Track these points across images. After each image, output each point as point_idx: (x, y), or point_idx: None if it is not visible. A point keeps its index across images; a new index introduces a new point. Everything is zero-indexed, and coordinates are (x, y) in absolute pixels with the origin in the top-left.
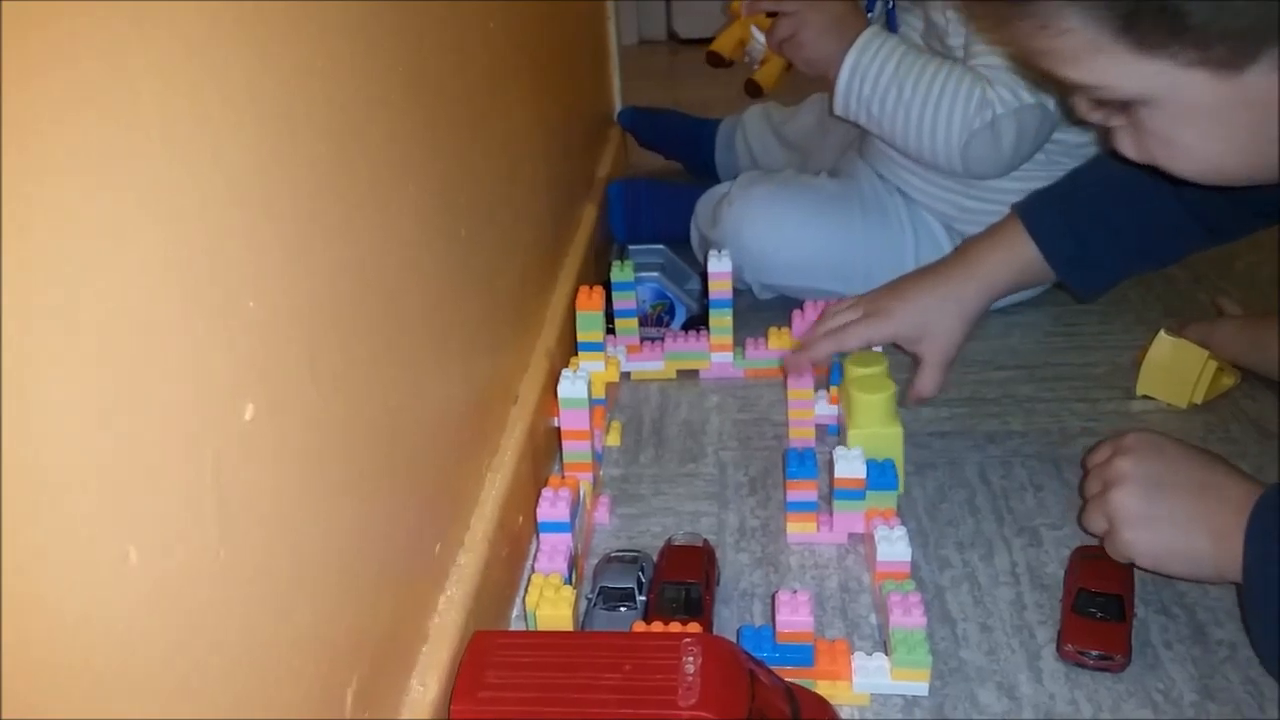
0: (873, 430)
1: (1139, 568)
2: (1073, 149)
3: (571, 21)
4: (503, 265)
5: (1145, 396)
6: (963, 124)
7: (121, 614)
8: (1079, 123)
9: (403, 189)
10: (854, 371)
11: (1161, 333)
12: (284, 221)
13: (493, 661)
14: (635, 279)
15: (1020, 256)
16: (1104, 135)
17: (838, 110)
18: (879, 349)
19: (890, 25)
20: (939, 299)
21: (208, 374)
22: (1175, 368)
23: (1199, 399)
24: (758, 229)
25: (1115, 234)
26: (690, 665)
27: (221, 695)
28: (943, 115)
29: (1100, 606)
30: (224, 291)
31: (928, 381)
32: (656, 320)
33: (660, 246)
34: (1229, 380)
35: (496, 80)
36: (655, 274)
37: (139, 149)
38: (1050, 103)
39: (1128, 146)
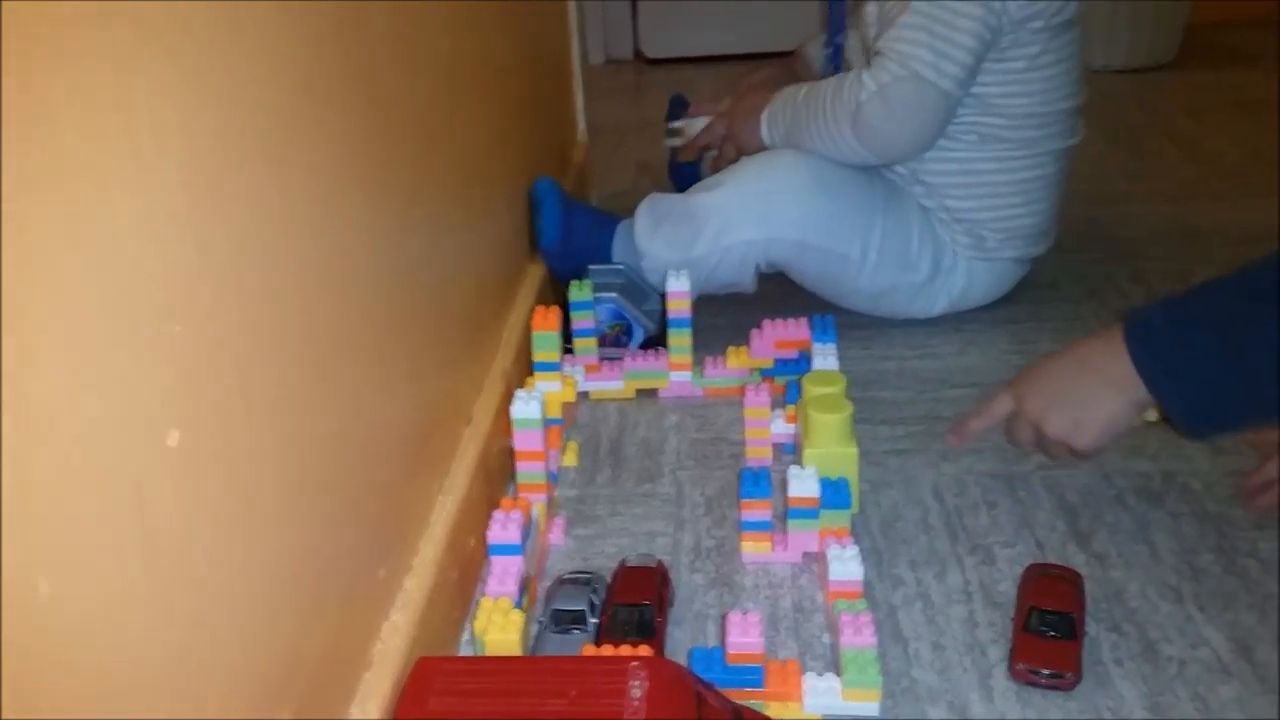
0: (828, 450)
1: (1078, 454)
2: (1004, 130)
3: (532, 40)
4: (456, 285)
5: None
6: (842, 106)
7: (33, 647)
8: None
9: (346, 207)
10: (812, 390)
11: None
12: (213, 242)
13: (436, 688)
14: (594, 299)
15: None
16: None
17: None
18: (833, 364)
19: (835, 62)
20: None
21: (128, 400)
22: None
23: (1153, 417)
24: (773, 180)
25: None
26: (636, 689)
27: None
28: (828, 107)
29: (1052, 625)
30: (146, 315)
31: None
32: (614, 341)
33: (621, 266)
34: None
35: (453, 98)
36: (613, 294)
37: (58, 168)
38: (948, 83)
39: None
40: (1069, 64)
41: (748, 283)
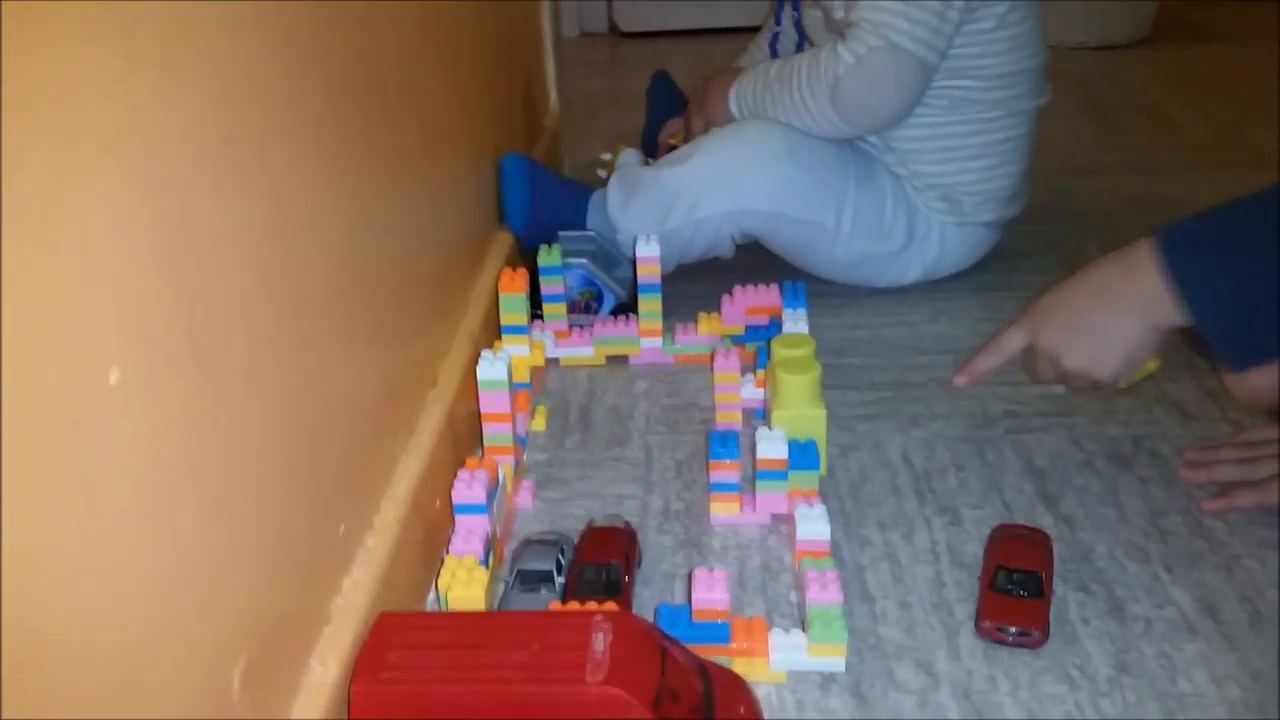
0: (797, 411)
1: (1099, 386)
2: (975, 92)
3: (500, 12)
4: (420, 247)
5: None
6: (819, 81)
7: None
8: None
9: (302, 161)
10: (780, 353)
11: None
12: (157, 184)
13: (396, 641)
14: (563, 265)
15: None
16: None
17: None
18: (804, 329)
19: (774, 48)
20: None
21: (65, 333)
22: None
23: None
24: (745, 151)
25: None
26: (600, 642)
27: (86, 670)
28: (803, 82)
29: (1019, 583)
30: (86, 250)
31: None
32: (584, 307)
33: (591, 233)
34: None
35: (418, 64)
36: (584, 260)
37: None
38: (925, 50)
39: None
40: (1034, 20)
41: (726, 249)
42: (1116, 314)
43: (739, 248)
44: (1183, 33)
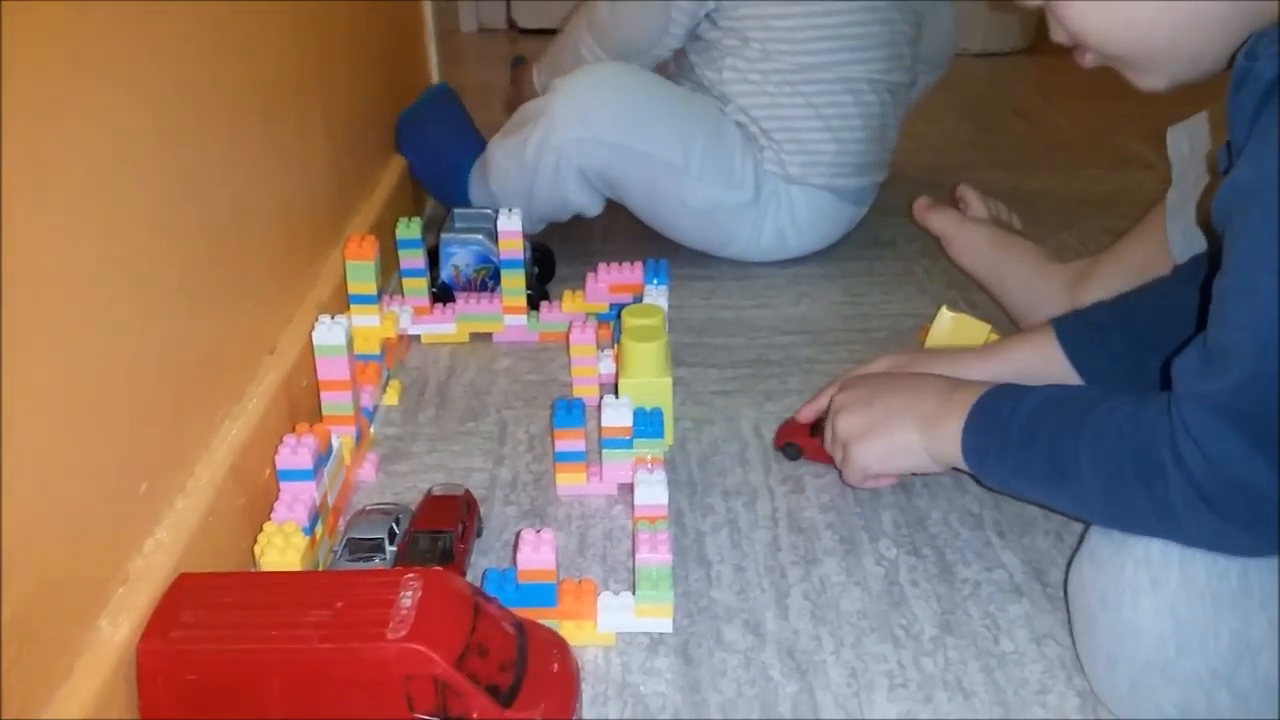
0: (643, 379)
1: (850, 476)
2: (790, 54)
3: (379, 5)
4: (258, 214)
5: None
6: (582, 14)
7: None
8: None
9: (120, 105)
10: (630, 321)
11: (943, 308)
12: None
13: (193, 601)
14: (459, 241)
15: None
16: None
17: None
18: (663, 304)
19: None
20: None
21: None
22: (957, 342)
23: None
24: (595, 83)
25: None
26: (407, 600)
27: None
28: (573, 23)
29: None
30: None
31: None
32: (480, 285)
33: (488, 210)
34: (992, 335)
35: (253, 19)
36: (479, 237)
37: None
38: None
39: (1054, 29)
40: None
41: (583, 200)
42: (915, 433)
43: (604, 225)
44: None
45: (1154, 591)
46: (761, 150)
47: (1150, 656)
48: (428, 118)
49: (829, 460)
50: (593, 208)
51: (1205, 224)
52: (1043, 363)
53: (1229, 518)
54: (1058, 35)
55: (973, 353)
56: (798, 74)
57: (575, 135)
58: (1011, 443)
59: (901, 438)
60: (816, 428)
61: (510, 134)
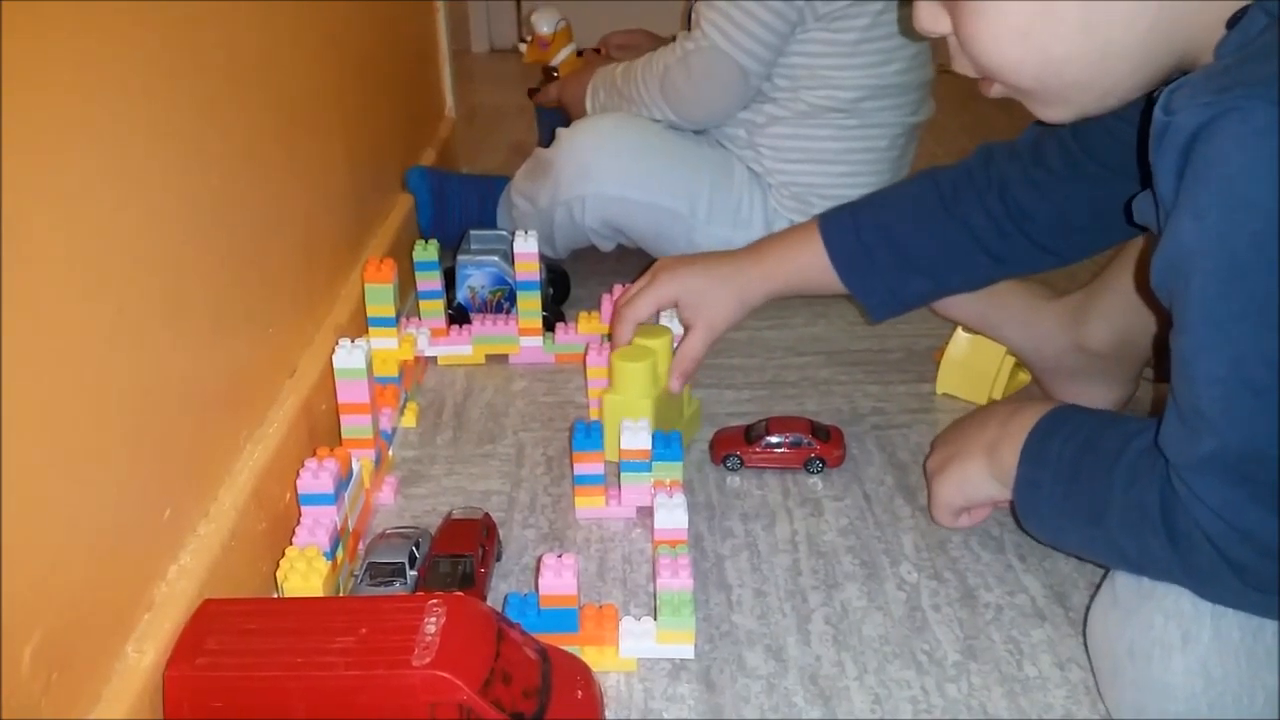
0: (624, 397)
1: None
2: (836, 101)
3: (384, 12)
4: (279, 238)
5: (946, 395)
6: (653, 69)
7: None
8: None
9: (137, 136)
10: (631, 340)
11: (959, 329)
12: None
13: (217, 627)
14: (475, 263)
15: (808, 256)
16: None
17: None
18: (668, 323)
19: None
20: (722, 278)
21: None
22: (973, 364)
23: (998, 394)
24: (597, 137)
25: (898, 248)
26: (431, 626)
27: None
28: (641, 71)
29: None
30: None
31: (687, 350)
32: (496, 307)
33: (504, 231)
34: (1025, 376)
35: (272, 46)
36: (495, 259)
37: None
38: (744, 57)
39: (957, 59)
40: (904, 38)
41: (601, 241)
42: (983, 460)
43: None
44: None
45: (1185, 649)
46: (774, 190)
47: (1181, 712)
48: (444, 178)
49: (772, 465)
50: (609, 246)
51: (1145, 284)
52: (806, 264)
53: (1247, 578)
54: (961, 66)
55: (749, 255)
56: (842, 118)
57: (579, 192)
58: (1060, 479)
59: (972, 467)
60: (751, 434)
61: (527, 179)
